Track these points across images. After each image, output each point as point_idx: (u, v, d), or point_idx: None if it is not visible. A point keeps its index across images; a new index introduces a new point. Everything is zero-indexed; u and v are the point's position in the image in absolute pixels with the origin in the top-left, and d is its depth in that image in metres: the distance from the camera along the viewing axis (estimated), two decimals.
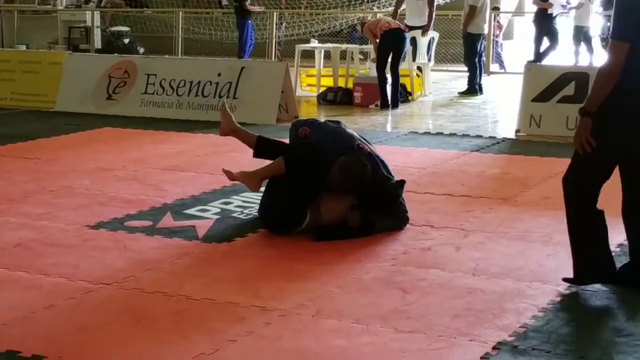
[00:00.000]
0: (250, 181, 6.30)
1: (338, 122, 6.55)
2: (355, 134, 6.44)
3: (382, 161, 6.32)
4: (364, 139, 6.50)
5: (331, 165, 5.98)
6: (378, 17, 13.69)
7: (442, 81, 16.15)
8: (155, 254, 5.69)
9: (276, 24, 19.46)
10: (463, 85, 14.67)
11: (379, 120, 11.74)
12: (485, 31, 14.90)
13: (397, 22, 13.14)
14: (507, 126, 11.01)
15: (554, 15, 16.20)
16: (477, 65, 14.45)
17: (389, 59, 12.65)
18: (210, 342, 4.24)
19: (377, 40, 12.70)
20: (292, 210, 5.98)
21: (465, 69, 14.88)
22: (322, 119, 7.05)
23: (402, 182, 6.28)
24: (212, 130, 10.66)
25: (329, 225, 5.97)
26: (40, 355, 4.08)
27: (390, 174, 6.32)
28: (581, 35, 16.95)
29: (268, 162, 6.27)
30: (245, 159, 6.90)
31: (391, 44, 12.57)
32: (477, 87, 14.43)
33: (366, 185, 5.99)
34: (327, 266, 5.44)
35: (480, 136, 10.31)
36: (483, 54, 15.26)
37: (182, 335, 4.33)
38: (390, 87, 12.70)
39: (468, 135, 10.31)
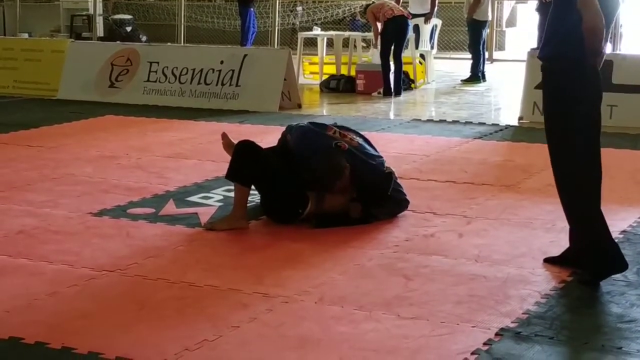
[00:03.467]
0: (236, 223, 5.96)
1: (320, 125, 6.42)
2: (337, 134, 6.23)
3: (370, 155, 6.20)
4: (354, 131, 6.41)
5: (307, 163, 5.98)
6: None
7: (444, 69, 16.12)
8: (157, 241, 5.69)
9: (290, 10, 19.42)
10: (466, 72, 14.64)
11: (382, 107, 11.73)
12: (490, 17, 14.84)
13: (401, 8, 13.10)
14: (510, 113, 10.99)
15: None
16: (481, 52, 14.40)
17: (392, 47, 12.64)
18: (213, 328, 4.24)
19: (378, 24, 12.68)
20: (290, 201, 5.98)
21: (469, 56, 14.84)
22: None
23: (389, 175, 6.19)
24: (214, 118, 10.68)
25: (330, 213, 5.97)
26: (43, 342, 4.09)
27: (381, 164, 6.22)
28: None
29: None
30: None
31: (394, 31, 12.55)
32: (479, 74, 14.40)
33: (344, 183, 5.96)
34: (330, 253, 5.43)
35: (483, 123, 10.30)
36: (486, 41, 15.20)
37: (185, 321, 4.33)
38: (392, 74, 12.68)
39: (471, 123, 10.31)
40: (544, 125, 4.95)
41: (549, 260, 5.18)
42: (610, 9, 4.74)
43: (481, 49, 14.41)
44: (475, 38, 14.40)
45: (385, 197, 6.13)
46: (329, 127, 6.36)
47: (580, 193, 4.85)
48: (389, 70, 12.62)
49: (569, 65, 4.74)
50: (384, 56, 12.61)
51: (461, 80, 14.38)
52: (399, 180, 6.33)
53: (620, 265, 4.87)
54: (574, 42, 4.65)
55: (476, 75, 14.34)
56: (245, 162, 5.99)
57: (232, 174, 6.03)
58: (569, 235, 5.08)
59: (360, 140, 6.34)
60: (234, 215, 5.98)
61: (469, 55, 14.80)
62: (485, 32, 14.66)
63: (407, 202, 6.29)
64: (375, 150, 6.40)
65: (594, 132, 4.83)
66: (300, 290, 4.75)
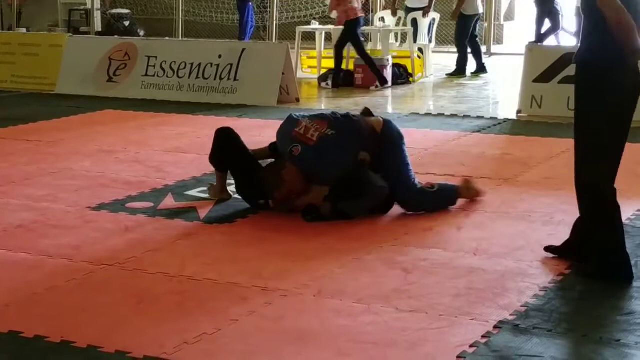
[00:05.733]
0: (220, 194, 6.56)
1: (292, 121, 6.26)
2: (302, 130, 6.08)
3: (332, 149, 6.01)
4: (332, 119, 6.18)
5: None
6: None
7: (443, 62, 16.10)
8: (156, 235, 5.70)
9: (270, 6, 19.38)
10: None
11: (380, 101, 11.73)
12: (481, 11, 14.72)
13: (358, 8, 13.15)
14: (508, 107, 10.99)
15: None
16: (467, 46, 14.28)
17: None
18: (212, 322, 4.24)
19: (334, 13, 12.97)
20: (248, 187, 6.33)
21: (469, 50, 14.77)
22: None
23: (362, 162, 6.09)
24: (212, 112, 10.68)
25: (303, 206, 6.03)
26: (42, 336, 4.09)
27: (352, 154, 6.07)
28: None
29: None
30: (245, 137, 6.85)
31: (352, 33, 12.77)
32: (474, 67, 14.31)
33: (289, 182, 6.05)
34: (329, 247, 5.44)
35: (482, 117, 10.31)
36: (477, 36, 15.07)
37: (184, 315, 4.34)
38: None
39: (469, 116, 10.31)
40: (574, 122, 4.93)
41: (549, 249, 5.18)
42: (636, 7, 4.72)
43: (470, 43, 14.26)
44: (460, 32, 14.27)
45: (354, 189, 6.02)
46: (299, 122, 6.19)
47: (600, 191, 4.83)
48: (373, 62, 12.69)
49: (601, 64, 4.69)
50: (362, 51, 12.78)
51: (446, 75, 14.32)
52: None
53: (625, 273, 4.84)
54: (605, 44, 4.64)
55: (462, 69, 14.25)
56: (219, 146, 6.50)
57: (211, 158, 6.60)
58: (573, 227, 5.07)
59: (331, 132, 6.07)
60: (217, 188, 6.56)
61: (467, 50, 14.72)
62: (476, 25, 14.51)
63: (384, 188, 6.06)
64: (360, 136, 6.15)
65: (621, 132, 4.80)
66: (299, 283, 4.76)
